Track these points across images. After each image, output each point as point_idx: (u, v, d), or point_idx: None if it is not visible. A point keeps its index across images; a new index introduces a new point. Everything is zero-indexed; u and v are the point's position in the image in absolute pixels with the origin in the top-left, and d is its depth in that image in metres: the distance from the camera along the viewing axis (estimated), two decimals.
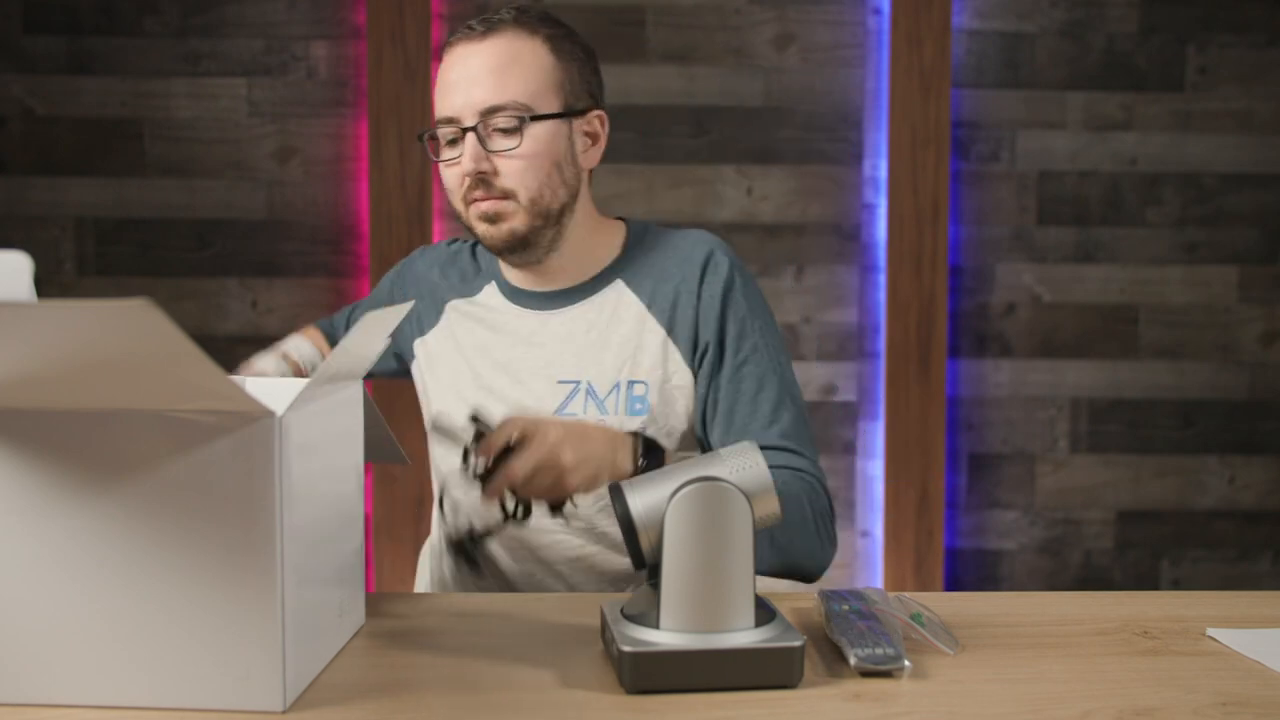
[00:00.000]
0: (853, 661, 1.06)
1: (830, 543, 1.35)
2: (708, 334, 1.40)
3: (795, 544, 1.29)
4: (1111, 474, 2.89)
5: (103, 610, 0.94)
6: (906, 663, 1.06)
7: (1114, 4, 2.84)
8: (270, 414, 0.93)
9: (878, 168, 2.83)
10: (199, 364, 0.85)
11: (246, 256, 2.79)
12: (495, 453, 1.19)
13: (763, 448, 1.32)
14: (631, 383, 1.39)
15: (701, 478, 1.04)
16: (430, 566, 1.58)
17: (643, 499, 1.06)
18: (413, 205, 2.74)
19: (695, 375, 1.41)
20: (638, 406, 1.39)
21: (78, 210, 2.76)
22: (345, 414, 1.12)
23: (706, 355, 1.40)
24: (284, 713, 0.95)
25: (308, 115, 2.78)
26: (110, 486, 0.93)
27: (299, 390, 0.96)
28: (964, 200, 2.85)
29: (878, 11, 2.81)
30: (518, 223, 1.36)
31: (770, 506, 1.07)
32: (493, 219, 1.36)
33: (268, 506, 0.93)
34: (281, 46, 2.77)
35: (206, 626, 0.94)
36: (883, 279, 2.82)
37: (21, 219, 2.76)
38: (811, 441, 1.40)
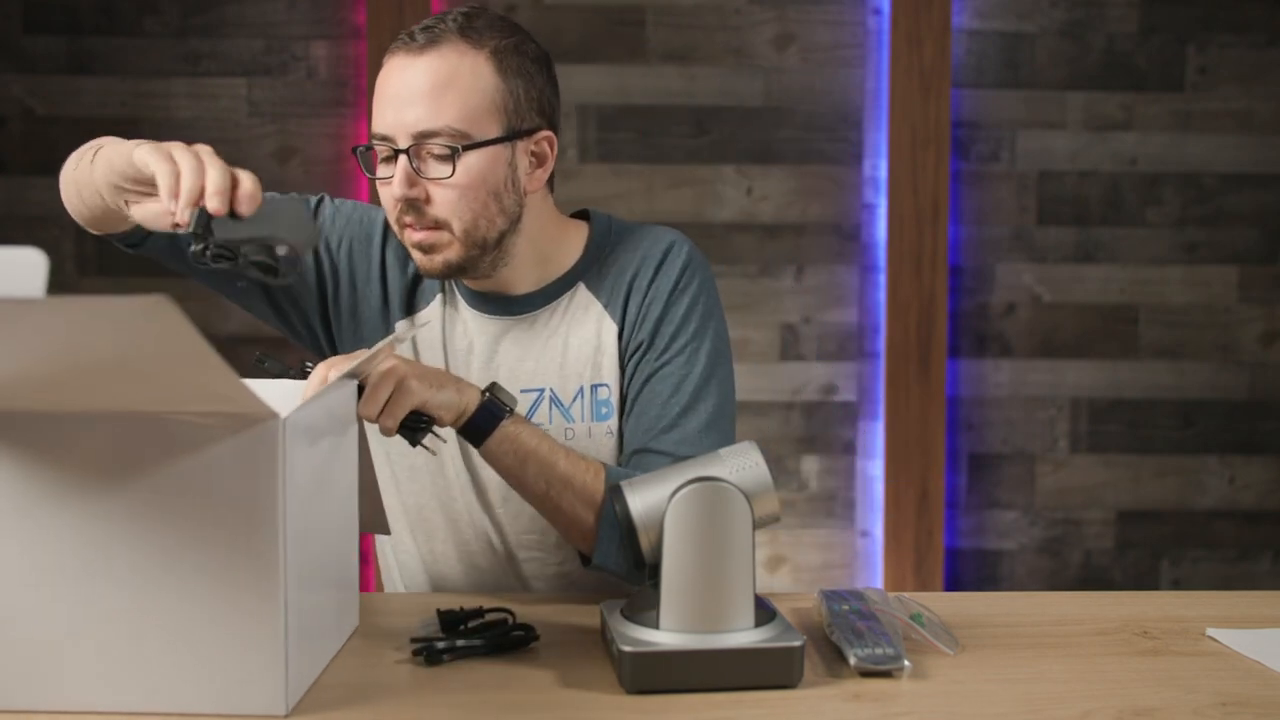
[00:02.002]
0: (853, 661, 1.06)
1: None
2: (645, 330, 1.36)
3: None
4: (1111, 474, 2.89)
5: (105, 614, 0.93)
6: (906, 663, 1.06)
7: (1114, 4, 2.84)
8: (274, 415, 0.92)
9: (878, 168, 2.83)
10: (211, 364, 0.84)
11: None
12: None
13: (649, 450, 1.30)
14: (595, 386, 1.36)
15: (701, 478, 1.05)
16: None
17: (643, 499, 1.07)
18: None
19: (623, 366, 1.37)
20: (604, 410, 1.36)
21: None
22: (342, 413, 1.11)
23: (638, 349, 1.36)
24: (286, 716, 0.95)
25: (308, 115, 2.78)
26: (112, 489, 0.93)
27: (303, 394, 0.97)
28: (964, 200, 2.85)
29: (878, 11, 2.81)
30: (451, 254, 1.29)
31: (770, 506, 1.07)
32: (426, 249, 1.29)
33: (271, 509, 0.92)
34: (281, 46, 2.77)
35: (209, 630, 0.93)
36: (883, 279, 2.82)
37: (21, 219, 2.76)
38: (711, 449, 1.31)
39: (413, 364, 1.20)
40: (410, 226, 1.29)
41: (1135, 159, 2.86)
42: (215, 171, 1.08)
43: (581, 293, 1.39)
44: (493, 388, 1.24)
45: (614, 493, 1.08)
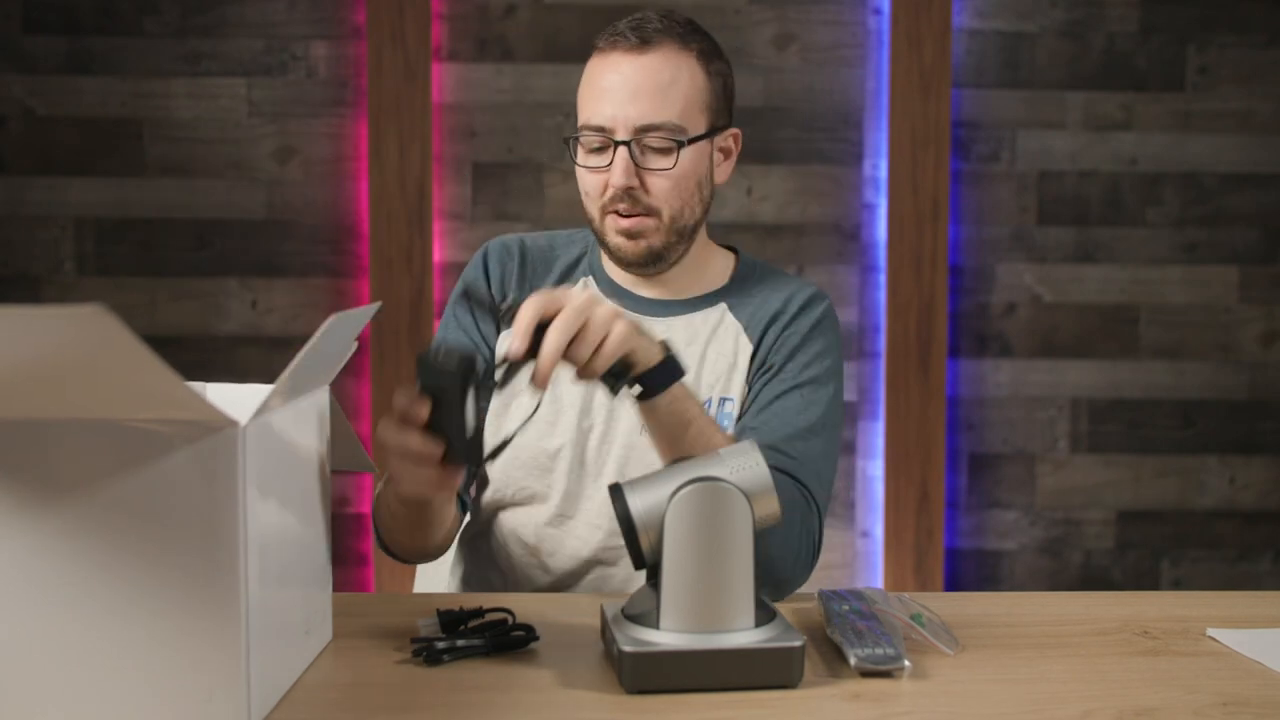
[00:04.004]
0: (853, 661, 1.06)
1: (808, 563, 1.33)
2: (779, 356, 1.42)
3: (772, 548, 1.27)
4: (1111, 474, 2.89)
5: (55, 632, 0.88)
6: (906, 663, 1.06)
7: (1114, 4, 2.84)
8: (233, 423, 0.88)
9: (878, 168, 2.83)
10: (155, 371, 0.80)
11: (246, 256, 2.79)
12: (527, 334, 1.10)
13: (777, 450, 1.33)
14: (724, 400, 1.42)
15: (701, 478, 1.04)
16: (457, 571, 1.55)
17: (643, 499, 1.06)
18: (412, 205, 2.74)
19: (749, 384, 1.42)
20: (724, 422, 1.41)
21: (78, 210, 2.76)
22: (311, 421, 1.08)
23: (769, 371, 1.42)
24: None
25: (308, 115, 2.78)
26: (62, 502, 0.87)
27: (263, 398, 0.91)
28: (964, 200, 2.85)
29: (878, 11, 2.81)
30: (655, 240, 1.38)
31: (770, 506, 1.07)
32: (634, 235, 1.38)
33: (230, 522, 0.88)
34: (281, 46, 2.77)
35: (166, 648, 0.89)
36: (883, 279, 2.82)
37: (21, 219, 2.76)
38: (824, 482, 1.37)
39: (617, 308, 1.16)
40: (618, 214, 1.37)
41: (1135, 159, 2.86)
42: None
43: (725, 314, 1.46)
44: (667, 344, 1.22)
45: (614, 492, 1.08)
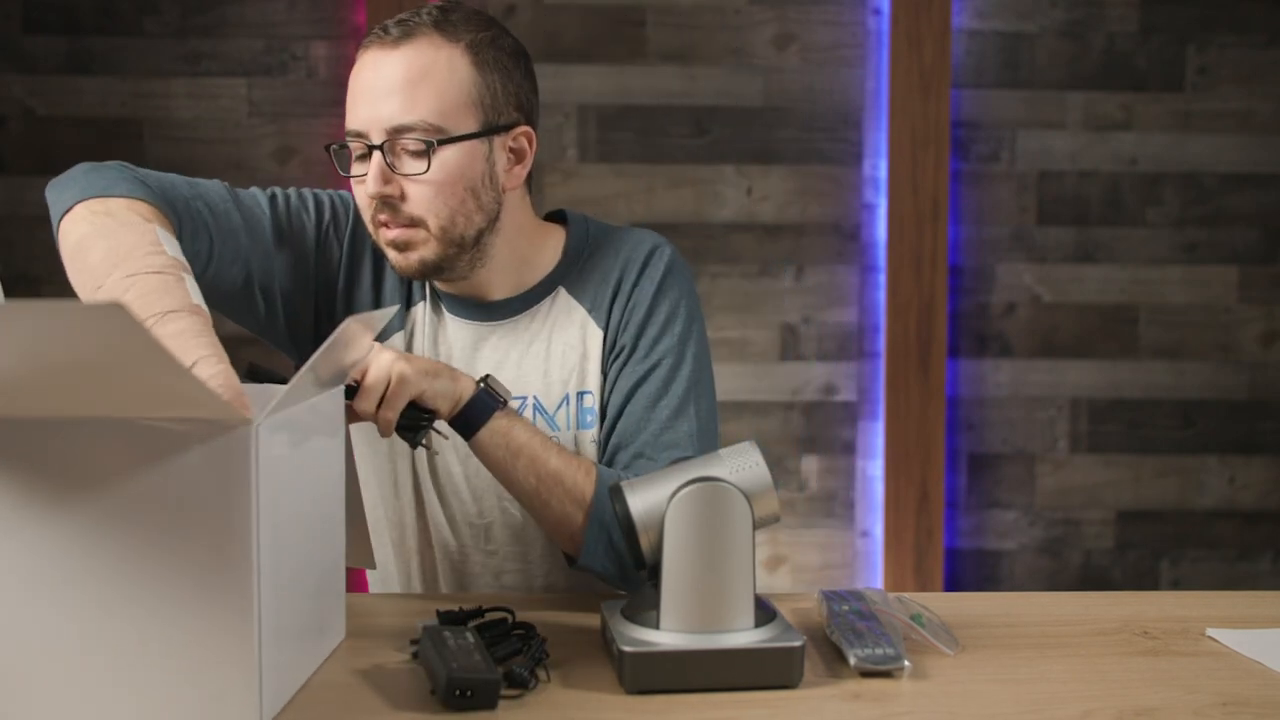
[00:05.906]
0: (853, 661, 1.06)
1: None
2: (628, 334, 1.34)
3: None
4: (1111, 474, 2.89)
5: (69, 630, 0.89)
6: (906, 663, 1.06)
7: (1114, 4, 2.84)
8: (247, 422, 0.88)
9: (878, 168, 2.83)
10: (171, 369, 0.80)
11: None
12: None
13: (643, 456, 1.29)
14: (581, 394, 1.34)
15: (701, 478, 1.04)
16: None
17: (643, 499, 1.07)
18: None
19: (604, 372, 1.35)
20: (589, 419, 1.34)
21: None
22: (325, 420, 1.08)
23: (620, 353, 1.34)
24: None
25: (308, 115, 2.78)
26: (76, 500, 0.88)
27: (277, 397, 0.91)
28: (964, 200, 2.85)
29: (878, 11, 2.81)
30: (427, 252, 1.26)
31: (770, 506, 1.07)
32: (402, 248, 1.26)
33: (244, 520, 0.88)
34: (281, 46, 2.77)
35: (179, 645, 0.89)
36: (883, 279, 2.82)
37: (21, 219, 2.76)
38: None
39: (405, 354, 1.18)
40: (385, 225, 1.26)
41: (1135, 159, 2.86)
42: None
43: (563, 297, 1.37)
44: (487, 379, 1.22)
45: (614, 492, 1.08)
